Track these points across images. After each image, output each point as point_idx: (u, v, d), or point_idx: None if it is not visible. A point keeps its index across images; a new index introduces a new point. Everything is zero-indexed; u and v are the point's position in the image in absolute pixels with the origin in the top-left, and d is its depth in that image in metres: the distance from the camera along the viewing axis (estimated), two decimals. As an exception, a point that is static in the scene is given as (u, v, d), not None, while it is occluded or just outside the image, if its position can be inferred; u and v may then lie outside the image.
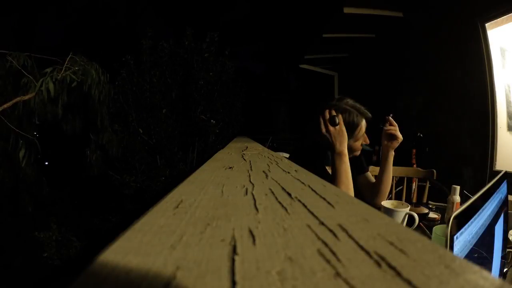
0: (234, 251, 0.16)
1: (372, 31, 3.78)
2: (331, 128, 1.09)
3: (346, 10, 3.07)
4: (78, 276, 0.13)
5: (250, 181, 0.37)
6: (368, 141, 1.27)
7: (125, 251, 0.16)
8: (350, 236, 0.18)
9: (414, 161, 2.69)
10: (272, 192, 0.31)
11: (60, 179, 3.99)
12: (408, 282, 0.13)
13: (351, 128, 1.17)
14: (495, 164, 2.29)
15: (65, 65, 2.14)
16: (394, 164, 2.02)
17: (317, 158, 1.28)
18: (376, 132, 1.33)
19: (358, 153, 1.26)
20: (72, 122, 2.83)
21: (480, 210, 0.52)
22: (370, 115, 1.26)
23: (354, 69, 4.68)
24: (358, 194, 1.38)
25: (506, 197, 0.76)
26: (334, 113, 1.12)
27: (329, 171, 1.27)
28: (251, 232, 0.19)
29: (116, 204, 3.13)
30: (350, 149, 1.19)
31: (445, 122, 2.68)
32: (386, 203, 1.12)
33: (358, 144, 1.25)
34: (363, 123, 1.23)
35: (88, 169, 2.74)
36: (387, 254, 0.16)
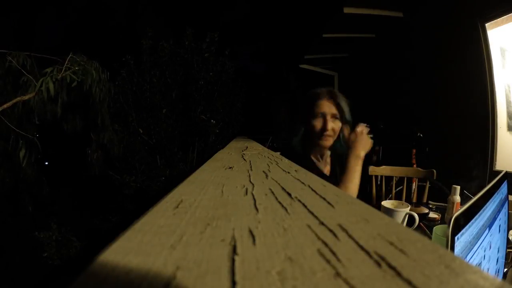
0: (234, 251, 0.16)
1: (372, 31, 3.78)
2: (363, 136, 1.15)
3: (346, 10, 3.07)
4: (78, 276, 0.13)
5: (250, 181, 0.37)
6: (328, 128, 1.16)
7: (125, 251, 0.16)
8: (350, 236, 0.18)
9: (414, 161, 2.69)
10: (272, 192, 0.31)
11: (60, 179, 3.99)
12: (408, 282, 0.13)
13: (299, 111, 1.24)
14: (495, 164, 2.29)
15: (65, 65, 2.14)
16: (394, 164, 2.03)
17: (304, 151, 1.26)
18: (376, 131, 1.32)
19: (324, 143, 1.17)
20: (72, 121, 2.83)
21: (481, 211, 0.52)
22: (319, 95, 1.21)
23: (354, 69, 4.68)
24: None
25: (507, 197, 0.76)
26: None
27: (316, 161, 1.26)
28: (251, 232, 0.19)
29: (116, 204, 3.13)
30: (307, 130, 1.20)
31: (445, 122, 2.67)
32: (386, 203, 1.12)
33: (314, 124, 1.17)
34: (315, 105, 1.19)
35: (89, 168, 2.74)
36: (387, 254, 0.16)
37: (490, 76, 2.27)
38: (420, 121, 2.84)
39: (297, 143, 1.24)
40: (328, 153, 1.30)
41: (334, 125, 1.17)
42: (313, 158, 1.25)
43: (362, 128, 1.15)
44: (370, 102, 3.87)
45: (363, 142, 1.13)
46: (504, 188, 0.72)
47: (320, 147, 1.20)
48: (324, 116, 1.16)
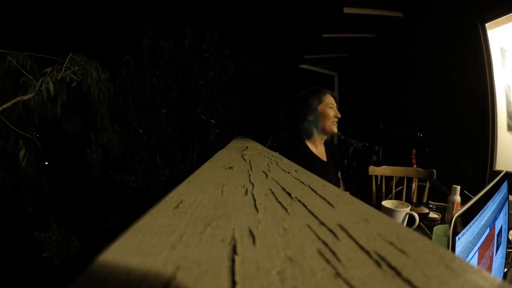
0: (234, 251, 0.16)
1: (372, 31, 3.78)
2: None
3: (346, 10, 3.07)
4: (78, 276, 0.13)
5: (250, 181, 0.37)
6: (339, 115, 1.39)
7: (125, 251, 0.16)
8: (350, 236, 0.18)
9: (414, 161, 2.68)
10: (272, 192, 0.31)
11: (60, 179, 3.99)
12: (408, 282, 0.13)
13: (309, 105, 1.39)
14: (495, 164, 2.29)
15: (65, 65, 2.14)
16: (394, 164, 2.03)
17: (299, 148, 1.38)
18: (376, 131, 1.34)
19: (333, 128, 1.38)
20: (72, 121, 2.83)
21: (482, 211, 0.52)
22: (327, 91, 1.43)
23: (354, 69, 4.67)
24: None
25: (507, 197, 0.76)
26: None
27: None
28: (251, 232, 0.19)
29: (116, 204, 3.13)
30: (322, 115, 1.37)
31: (445, 122, 2.67)
32: (386, 203, 1.12)
33: (328, 112, 1.37)
34: (325, 97, 1.40)
35: (89, 168, 2.74)
36: (387, 254, 0.16)
37: (490, 76, 2.27)
38: (420, 121, 2.84)
39: (309, 128, 1.39)
40: (323, 146, 1.46)
41: None
42: (310, 145, 1.40)
43: None
44: (370, 102, 3.87)
45: None
46: (504, 188, 0.72)
47: (330, 131, 1.39)
48: (333, 106, 1.39)
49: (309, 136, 1.40)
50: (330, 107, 1.38)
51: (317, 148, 1.43)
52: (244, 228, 0.20)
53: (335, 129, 1.40)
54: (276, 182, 0.37)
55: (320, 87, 1.45)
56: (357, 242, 0.17)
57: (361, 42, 4.05)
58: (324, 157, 1.44)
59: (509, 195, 0.78)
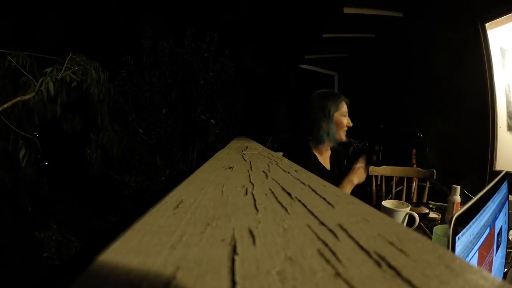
0: (234, 251, 0.16)
1: (372, 31, 3.78)
2: (362, 166, 1.33)
3: (346, 10, 3.07)
4: (78, 276, 0.13)
5: (250, 181, 0.37)
6: (351, 124, 1.37)
7: (125, 251, 0.16)
8: (350, 236, 0.18)
9: (414, 161, 2.69)
10: (272, 192, 0.31)
11: (60, 179, 3.99)
12: (408, 282, 0.13)
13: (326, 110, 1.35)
14: (495, 164, 2.29)
15: (65, 65, 2.14)
16: (394, 164, 2.04)
17: (305, 151, 1.36)
18: (376, 132, 1.36)
19: (343, 137, 1.37)
20: (72, 121, 2.83)
21: (482, 211, 0.52)
22: (343, 97, 1.39)
23: (354, 69, 4.67)
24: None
25: (507, 197, 0.76)
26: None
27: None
28: (251, 232, 0.19)
29: (116, 204, 3.13)
30: (337, 123, 1.34)
31: (445, 122, 2.67)
32: (386, 203, 1.12)
33: (342, 120, 1.35)
34: (342, 104, 1.37)
35: (88, 168, 2.74)
36: (387, 254, 0.16)
37: (490, 76, 2.27)
38: (420, 121, 2.84)
39: (320, 134, 1.36)
40: (329, 152, 1.43)
41: None
42: (316, 152, 1.37)
43: (360, 165, 1.36)
44: (370, 102, 3.87)
45: (359, 175, 1.34)
46: (504, 188, 0.72)
47: (340, 139, 1.38)
48: (347, 115, 1.37)
49: (318, 142, 1.36)
50: (344, 116, 1.36)
51: (322, 155, 1.40)
52: (244, 228, 0.20)
53: (344, 138, 1.38)
54: (276, 182, 0.37)
55: (336, 92, 1.42)
56: (357, 242, 0.17)
57: (361, 42, 4.05)
58: (328, 165, 1.41)
59: (509, 195, 0.78)
